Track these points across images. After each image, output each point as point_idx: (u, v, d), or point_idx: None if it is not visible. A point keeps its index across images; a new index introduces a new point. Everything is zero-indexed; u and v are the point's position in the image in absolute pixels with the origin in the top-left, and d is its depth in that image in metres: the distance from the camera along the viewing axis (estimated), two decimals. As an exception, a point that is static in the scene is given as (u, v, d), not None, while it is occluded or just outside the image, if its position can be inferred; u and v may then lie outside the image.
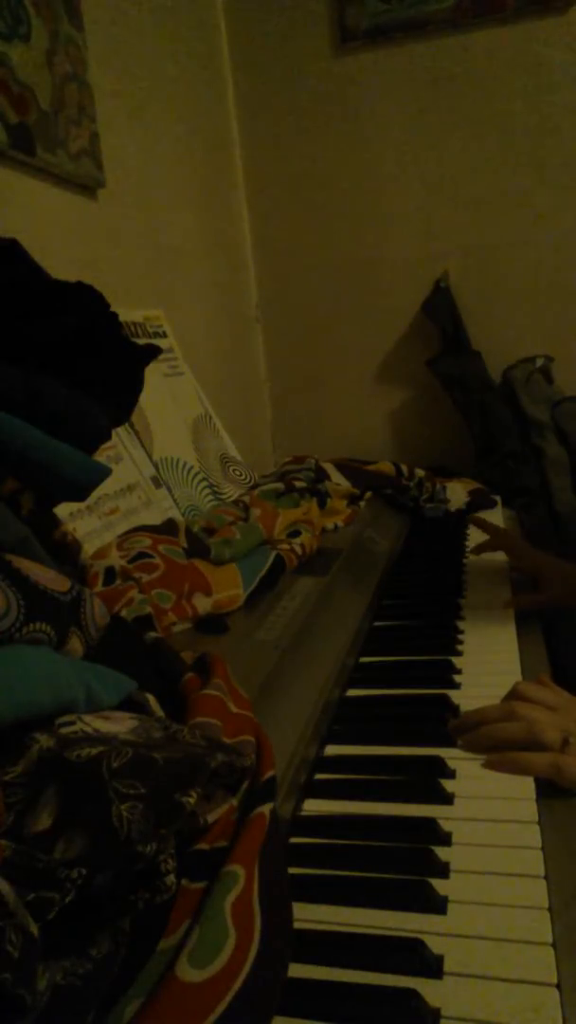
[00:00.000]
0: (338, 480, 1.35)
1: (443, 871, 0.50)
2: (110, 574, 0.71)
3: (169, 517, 0.89)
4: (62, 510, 0.73)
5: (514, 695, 0.67)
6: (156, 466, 1.00)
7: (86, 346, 0.63)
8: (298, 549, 0.91)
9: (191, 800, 0.35)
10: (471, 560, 1.19)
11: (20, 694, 0.37)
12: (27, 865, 0.30)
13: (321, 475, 1.30)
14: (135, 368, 0.68)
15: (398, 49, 1.71)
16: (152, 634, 0.58)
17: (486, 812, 0.56)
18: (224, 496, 1.14)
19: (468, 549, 1.16)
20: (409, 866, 0.50)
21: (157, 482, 0.98)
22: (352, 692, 0.77)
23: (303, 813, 0.58)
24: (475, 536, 1.34)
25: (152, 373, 0.87)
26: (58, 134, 1.05)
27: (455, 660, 0.81)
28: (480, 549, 1.14)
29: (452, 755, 0.63)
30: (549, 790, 0.58)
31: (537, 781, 0.58)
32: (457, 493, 1.52)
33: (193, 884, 0.38)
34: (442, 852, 0.51)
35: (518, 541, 1.10)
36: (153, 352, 0.70)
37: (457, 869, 0.50)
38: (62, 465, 0.56)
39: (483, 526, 1.16)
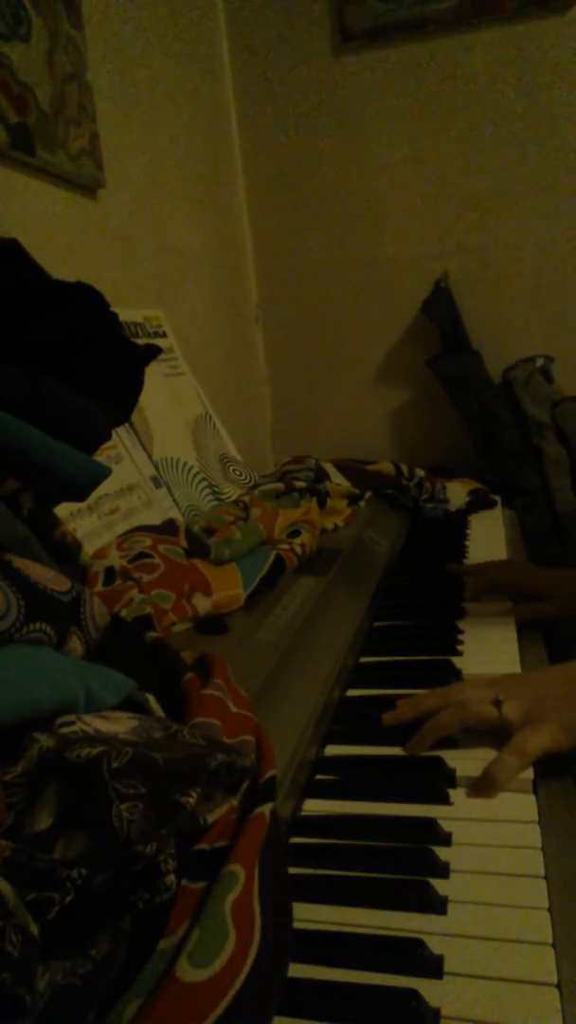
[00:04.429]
0: (338, 480, 1.35)
1: (443, 871, 0.50)
2: (110, 574, 0.71)
3: (169, 517, 0.89)
4: (62, 510, 0.73)
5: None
6: (156, 466, 1.00)
7: (86, 346, 0.63)
8: (298, 549, 0.91)
9: (191, 800, 0.35)
10: (471, 558, 1.19)
11: (20, 694, 0.37)
12: (27, 865, 0.30)
13: (321, 475, 1.30)
14: (135, 368, 0.68)
15: (398, 49, 1.71)
16: (152, 634, 0.58)
17: (486, 812, 0.56)
18: (224, 496, 1.14)
19: (466, 592, 1.02)
20: (409, 866, 0.50)
21: (157, 482, 0.98)
22: (352, 692, 0.77)
23: (303, 813, 0.58)
24: (475, 536, 1.34)
25: (152, 373, 0.87)
26: (58, 134, 1.05)
27: (455, 660, 0.81)
28: (478, 594, 1.00)
29: (452, 755, 0.63)
30: (549, 790, 0.58)
31: (536, 781, 0.58)
32: (457, 493, 1.52)
33: (193, 884, 0.38)
34: (442, 852, 0.51)
35: (511, 565, 1.07)
36: (153, 352, 0.70)
37: (457, 869, 0.50)
38: (62, 465, 0.56)
39: (469, 571, 1.07)
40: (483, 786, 0.58)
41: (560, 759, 0.60)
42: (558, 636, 0.92)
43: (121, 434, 0.95)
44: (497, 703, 0.63)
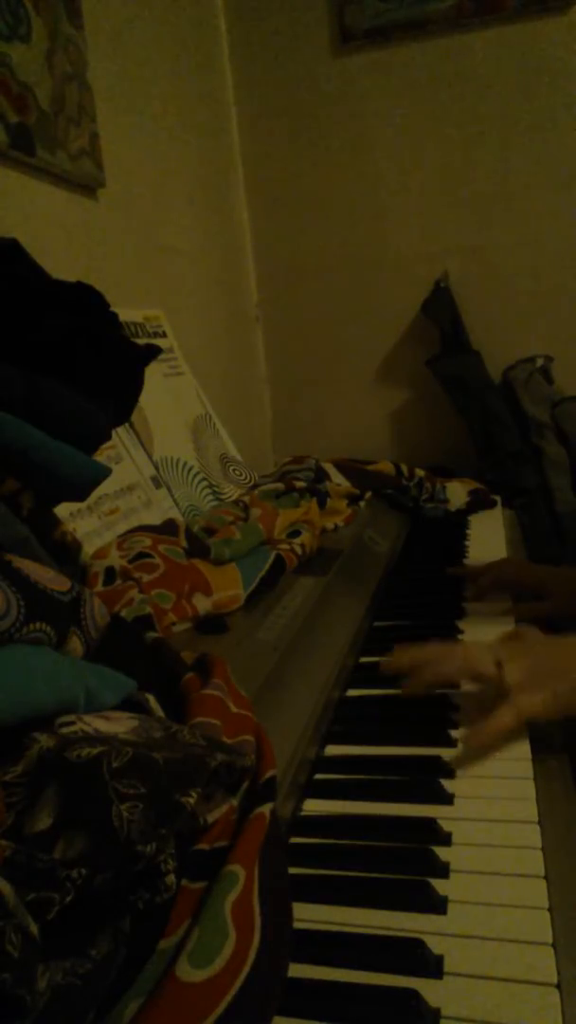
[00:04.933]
0: (338, 480, 1.35)
1: (443, 871, 0.50)
2: (110, 574, 0.71)
3: (169, 517, 0.89)
4: (62, 510, 0.73)
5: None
6: (156, 466, 1.00)
7: (86, 346, 0.63)
8: (298, 549, 0.91)
9: (191, 800, 0.35)
10: (471, 558, 1.19)
11: (20, 694, 0.37)
12: (27, 865, 0.30)
13: (321, 475, 1.30)
14: (135, 368, 0.68)
15: (398, 49, 1.71)
16: (152, 634, 0.58)
17: (486, 812, 0.56)
18: (224, 496, 1.14)
19: (467, 594, 1.01)
20: (409, 866, 0.50)
21: (157, 482, 0.98)
22: (352, 692, 0.77)
23: (303, 813, 0.58)
24: (475, 536, 1.34)
25: (152, 373, 0.87)
26: (58, 134, 1.05)
27: (455, 660, 0.81)
28: (481, 594, 0.99)
29: (452, 755, 0.63)
30: (549, 790, 0.58)
31: (536, 780, 0.58)
32: (457, 493, 1.52)
33: (193, 884, 0.38)
34: (442, 852, 0.51)
35: (511, 563, 1.07)
36: (153, 352, 0.70)
37: (457, 869, 0.50)
38: (62, 465, 0.56)
39: (469, 573, 1.07)
40: (473, 736, 0.61)
41: (560, 759, 0.60)
42: (558, 634, 0.92)
43: (121, 434, 0.95)
44: (498, 664, 0.65)
